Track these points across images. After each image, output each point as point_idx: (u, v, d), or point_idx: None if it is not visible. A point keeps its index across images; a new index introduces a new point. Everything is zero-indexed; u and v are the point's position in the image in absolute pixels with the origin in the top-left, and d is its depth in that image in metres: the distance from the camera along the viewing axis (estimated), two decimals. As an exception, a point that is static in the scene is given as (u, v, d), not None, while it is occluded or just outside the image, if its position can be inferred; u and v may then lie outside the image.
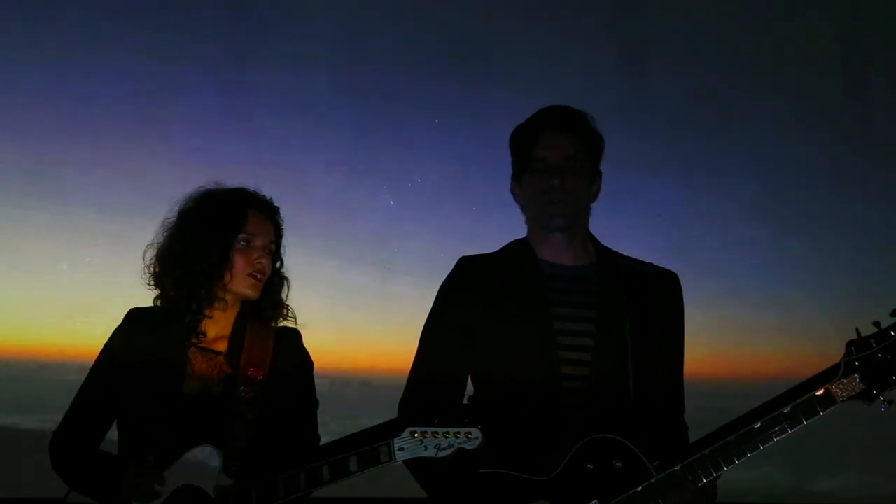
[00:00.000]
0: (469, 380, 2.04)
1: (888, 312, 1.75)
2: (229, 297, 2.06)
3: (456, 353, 1.99)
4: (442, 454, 1.76)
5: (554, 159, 1.97)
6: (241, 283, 2.03)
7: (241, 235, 2.03)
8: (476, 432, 1.76)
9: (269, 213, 2.11)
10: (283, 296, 2.15)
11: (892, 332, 1.72)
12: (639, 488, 1.78)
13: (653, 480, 1.77)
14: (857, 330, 1.75)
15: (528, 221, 2.09)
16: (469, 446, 1.76)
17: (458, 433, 1.76)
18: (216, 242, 2.01)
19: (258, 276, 2.04)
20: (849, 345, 1.74)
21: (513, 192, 2.10)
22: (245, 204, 2.07)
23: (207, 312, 2.05)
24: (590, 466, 1.81)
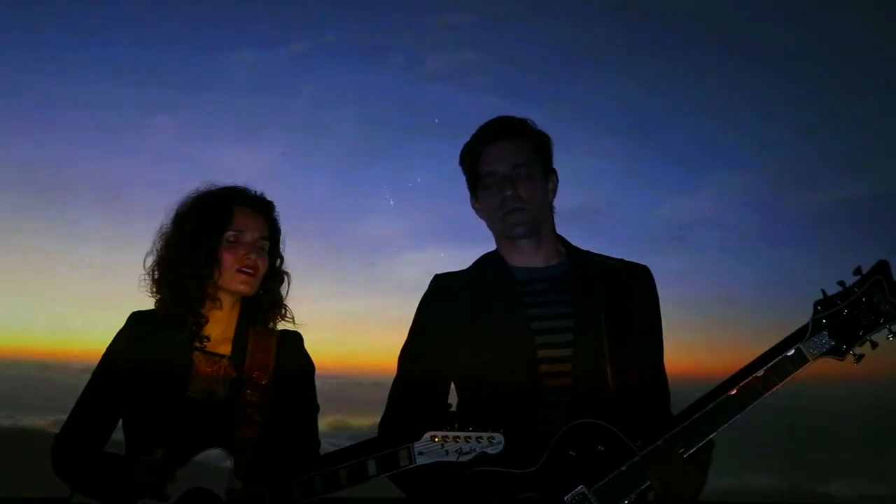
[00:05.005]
0: (453, 390, 2.06)
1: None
2: (223, 296, 2.05)
3: (436, 368, 2.02)
4: (463, 458, 1.73)
5: (502, 171, 2.00)
6: (231, 278, 2.01)
7: (229, 233, 2.02)
8: (499, 437, 1.74)
9: (258, 208, 2.08)
10: (284, 292, 2.14)
11: (856, 289, 1.75)
12: (623, 468, 1.79)
13: (636, 458, 1.79)
14: (822, 290, 1.78)
15: (494, 234, 2.12)
16: (491, 451, 1.74)
17: (481, 437, 1.74)
18: (203, 242, 2.01)
19: (248, 272, 2.02)
20: (816, 304, 1.78)
21: (473, 208, 2.14)
22: (232, 201, 2.05)
23: (203, 312, 2.04)
24: (573, 453, 1.82)
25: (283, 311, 2.13)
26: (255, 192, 2.11)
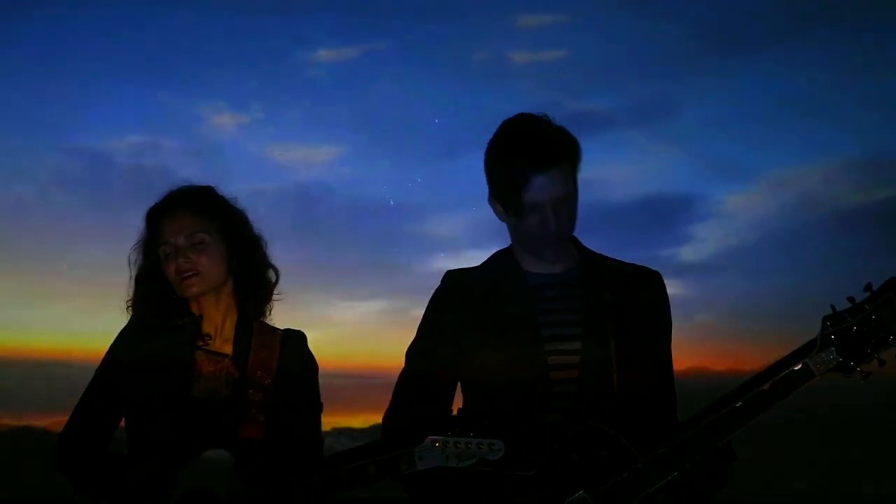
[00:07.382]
0: (459, 392, 2.06)
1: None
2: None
3: (444, 366, 2.02)
4: (463, 464, 1.74)
5: (549, 202, 1.91)
6: (178, 288, 2.02)
7: (162, 248, 2.03)
8: (499, 444, 1.74)
9: (182, 207, 2.06)
10: (265, 256, 2.12)
11: (866, 306, 1.76)
12: (625, 474, 1.80)
13: (638, 465, 1.79)
14: (832, 306, 1.79)
15: (512, 236, 2.07)
16: (491, 457, 1.74)
17: (482, 444, 1.74)
18: (145, 268, 2.06)
19: (187, 276, 2.00)
20: (824, 320, 1.78)
21: (493, 207, 2.04)
22: (155, 218, 2.06)
23: (195, 310, 2.05)
24: (575, 457, 1.83)
25: (272, 277, 2.11)
26: (178, 191, 2.09)
